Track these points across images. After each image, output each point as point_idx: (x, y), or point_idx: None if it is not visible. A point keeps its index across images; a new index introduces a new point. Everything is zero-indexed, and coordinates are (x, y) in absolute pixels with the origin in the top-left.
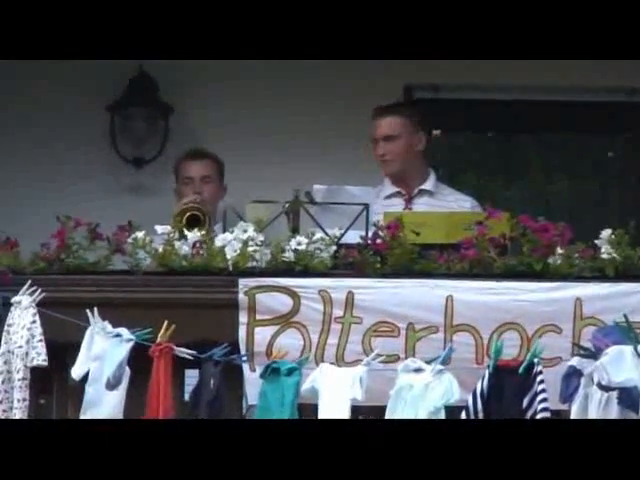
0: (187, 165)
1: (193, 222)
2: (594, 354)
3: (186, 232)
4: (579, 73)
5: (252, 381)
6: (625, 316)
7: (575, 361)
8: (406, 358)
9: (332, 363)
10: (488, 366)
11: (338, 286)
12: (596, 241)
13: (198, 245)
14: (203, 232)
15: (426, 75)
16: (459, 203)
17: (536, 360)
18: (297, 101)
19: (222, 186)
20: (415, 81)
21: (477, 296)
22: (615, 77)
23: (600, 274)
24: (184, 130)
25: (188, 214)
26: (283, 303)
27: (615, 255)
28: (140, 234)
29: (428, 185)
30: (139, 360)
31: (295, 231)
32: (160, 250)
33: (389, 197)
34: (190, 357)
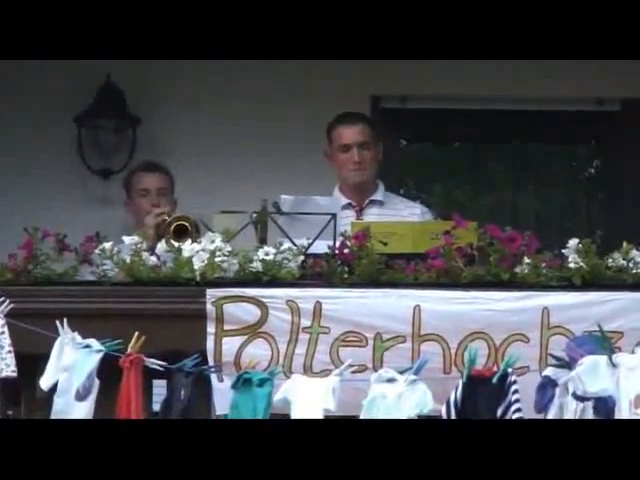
0: (142, 177)
1: (180, 233)
2: (568, 364)
3: (176, 243)
4: (546, 83)
5: (220, 391)
6: (599, 326)
7: (550, 371)
8: (374, 368)
9: (301, 373)
10: (462, 375)
11: (306, 296)
12: (563, 250)
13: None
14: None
15: (393, 85)
16: (409, 210)
17: (510, 370)
18: (264, 112)
19: (174, 199)
20: (382, 91)
21: (444, 306)
22: (582, 87)
23: (567, 283)
24: (152, 141)
25: (175, 224)
26: (251, 313)
27: (582, 264)
28: (107, 245)
29: (378, 195)
30: (108, 371)
31: (263, 241)
32: (128, 261)
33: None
34: (161, 368)
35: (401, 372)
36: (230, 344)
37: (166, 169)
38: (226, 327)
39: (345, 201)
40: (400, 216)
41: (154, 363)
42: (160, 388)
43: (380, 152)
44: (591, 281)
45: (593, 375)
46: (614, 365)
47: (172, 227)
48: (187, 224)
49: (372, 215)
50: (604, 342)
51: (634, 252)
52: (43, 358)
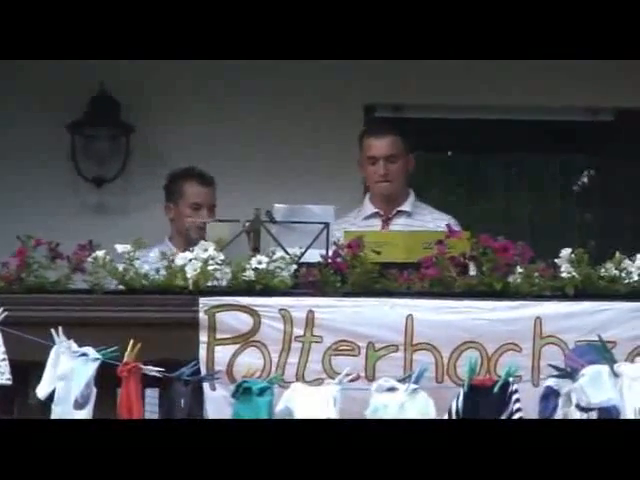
0: (196, 189)
1: None
2: (570, 374)
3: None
4: (540, 93)
5: (213, 400)
6: (599, 336)
7: (551, 381)
8: (366, 377)
9: (292, 382)
10: (462, 385)
11: (298, 305)
12: (556, 260)
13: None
14: None
15: (387, 94)
16: (436, 223)
17: (511, 379)
18: (257, 121)
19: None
20: (376, 100)
21: (437, 315)
22: (576, 97)
23: (560, 293)
24: (145, 149)
25: None
26: (243, 322)
27: (575, 274)
28: (100, 253)
29: (407, 206)
30: (105, 379)
31: (256, 250)
32: (120, 269)
33: (368, 218)
34: (159, 375)
35: (400, 381)
36: (222, 353)
37: (214, 182)
38: (218, 336)
39: (373, 210)
40: (426, 227)
41: (152, 370)
42: (152, 397)
43: (411, 161)
44: (584, 291)
45: (596, 386)
46: (616, 375)
47: None
48: None
49: (398, 225)
50: (605, 352)
51: (627, 262)
52: (36, 366)
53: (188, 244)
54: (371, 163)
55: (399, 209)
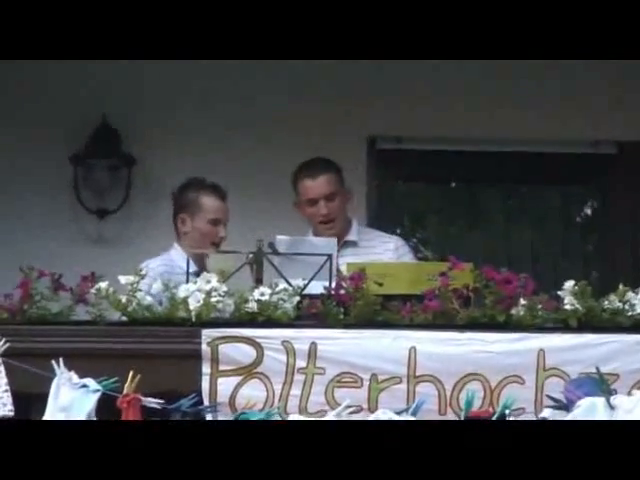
0: (217, 205)
1: None
2: (566, 406)
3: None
4: (542, 125)
5: None
6: (597, 368)
7: (547, 413)
8: (369, 409)
9: (296, 414)
10: (459, 417)
11: (301, 337)
12: (559, 292)
13: None
14: None
15: (389, 127)
16: (384, 246)
17: (507, 412)
18: (259, 152)
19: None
20: (378, 132)
21: (440, 347)
22: (578, 129)
23: (563, 325)
24: (147, 180)
25: None
26: (246, 354)
27: (578, 306)
28: (103, 284)
29: (352, 235)
30: (105, 410)
31: (258, 282)
32: (123, 300)
33: None
34: (158, 407)
35: (398, 413)
36: (225, 385)
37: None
38: (221, 367)
39: None
40: (374, 254)
41: (151, 402)
42: None
43: (349, 194)
44: (587, 323)
45: (590, 417)
46: (612, 407)
47: None
48: None
49: (346, 256)
50: (602, 384)
51: (630, 294)
52: (37, 397)
53: (201, 258)
54: (310, 205)
55: (345, 240)
